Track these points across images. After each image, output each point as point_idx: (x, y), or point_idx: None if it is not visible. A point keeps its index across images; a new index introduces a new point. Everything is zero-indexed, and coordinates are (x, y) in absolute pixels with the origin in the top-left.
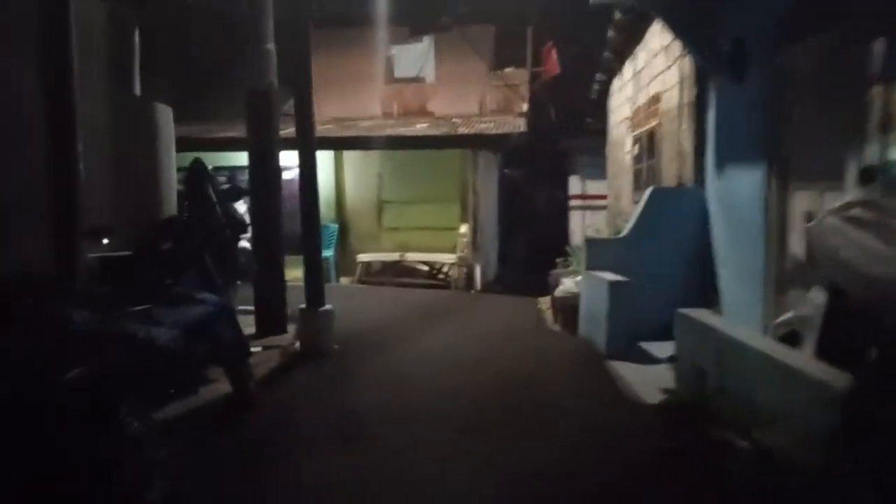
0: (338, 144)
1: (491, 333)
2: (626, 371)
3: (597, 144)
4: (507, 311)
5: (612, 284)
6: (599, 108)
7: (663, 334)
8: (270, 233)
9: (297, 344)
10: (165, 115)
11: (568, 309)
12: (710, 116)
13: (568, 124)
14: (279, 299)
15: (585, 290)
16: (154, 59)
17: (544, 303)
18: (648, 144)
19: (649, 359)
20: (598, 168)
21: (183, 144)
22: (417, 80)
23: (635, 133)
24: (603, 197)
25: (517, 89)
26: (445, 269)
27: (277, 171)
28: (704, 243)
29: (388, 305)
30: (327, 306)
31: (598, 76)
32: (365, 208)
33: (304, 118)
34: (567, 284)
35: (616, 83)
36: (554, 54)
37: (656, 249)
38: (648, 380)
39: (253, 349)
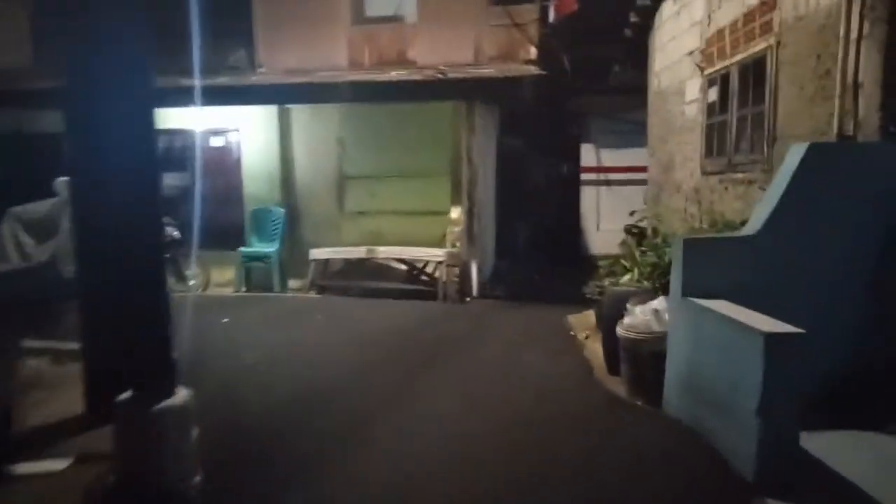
0: (279, 97)
1: (509, 410)
2: None
3: (618, 104)
4: (526, 343)
5: (773, 341)
6: (635, 52)
7: (840, 413)
8: (104, 238)
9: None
10: None
11: (643, 360)
12: None
13: (586, 78)
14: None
15: (685, 333)
16: None
17: (580, 326)
18: (747, 82)
19: (851, 493)
20: (616, 134)
21: None
22: (395, 19)
23: (711, 71)
24: (624, 169)
25: (524, 30)
26: (431, 268)
27: (106, 126)
28: None
29: (339, 338)
30: (178, 396)
31: (639, 1)
32: (321, 187)
33: None
34: (640, 316)
35: (668, 7)
36: None
37: (816, 257)
38: None
39: (38, 466)
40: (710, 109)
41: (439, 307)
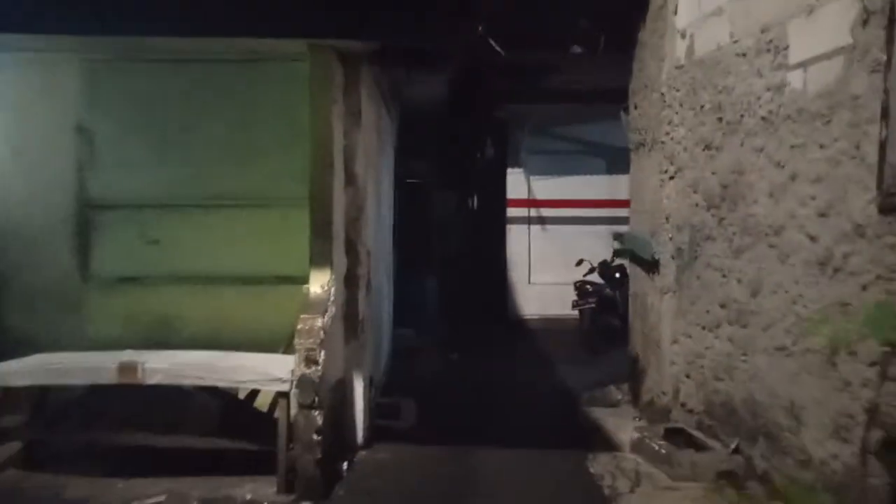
0: None
1: None
2: None
3: (558, 116)
4: None
5: None
6: (623, 22)
7: None
8: None
9: None
10: None
11: None
12: None
13: (514, 77)
14: None
15: None
16: None
17: None
18: None
19: None
20: (554, 157)
21: None
22: None
23: None
24: (565, 203)
25: None
26: (268, 399)
27: None
28: None
29: None
30: None
31: None
32: (43, 225)
33: None
34: None
35: None
36: None
37: None
38: None
39: None
40: None
41: None
